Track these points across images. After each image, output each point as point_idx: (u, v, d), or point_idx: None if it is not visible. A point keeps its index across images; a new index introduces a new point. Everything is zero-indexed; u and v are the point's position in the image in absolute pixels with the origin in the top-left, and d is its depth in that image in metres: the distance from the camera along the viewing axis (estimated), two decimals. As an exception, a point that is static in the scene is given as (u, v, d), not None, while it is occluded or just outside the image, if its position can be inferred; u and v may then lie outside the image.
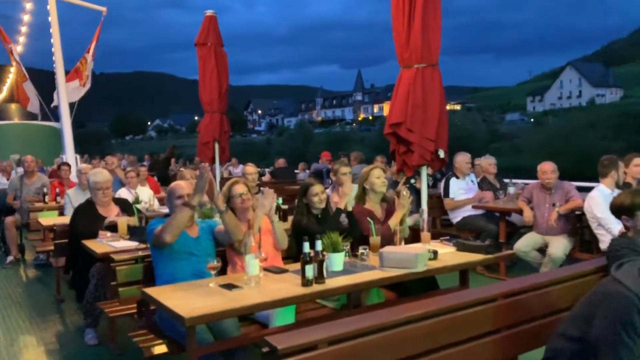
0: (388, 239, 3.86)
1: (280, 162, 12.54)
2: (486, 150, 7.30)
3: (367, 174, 4.34)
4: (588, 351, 2.07)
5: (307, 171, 11.92)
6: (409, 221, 6.44)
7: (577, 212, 5.48)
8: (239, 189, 3.73)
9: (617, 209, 2.85)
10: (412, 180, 7.09)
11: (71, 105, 11.41)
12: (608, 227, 4.73)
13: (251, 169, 6.09)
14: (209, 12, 8.16)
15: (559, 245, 5.38)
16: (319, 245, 2.88)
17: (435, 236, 4.30)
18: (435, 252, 3.39)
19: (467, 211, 6.57)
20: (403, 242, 3.80)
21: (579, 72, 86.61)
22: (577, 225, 5.46)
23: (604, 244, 4.75)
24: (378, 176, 4.31)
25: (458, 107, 74.98)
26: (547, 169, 5.71)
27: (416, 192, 6.15)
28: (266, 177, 11.70)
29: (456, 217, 6.66)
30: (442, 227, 6.99)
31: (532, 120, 63.18)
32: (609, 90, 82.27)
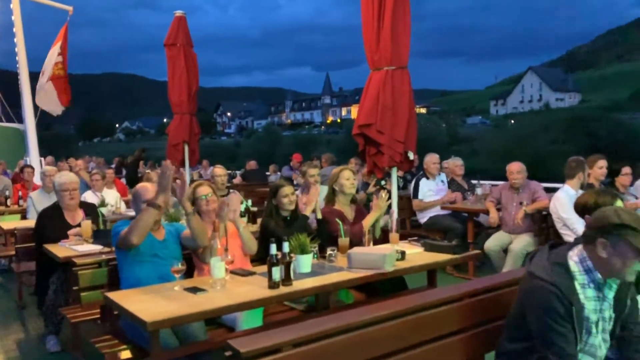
0: (358, 240, 3.86)
1: (252, 164, 12.45)
2: (446, 152, 7.41)
3: (337, 175, 4.33)
4: (533, 349, 2.14)
5: (279, 173, 11.87)
6: (383, 222, 6.49)
7: (543, 212, 5.58)
8: (204, 190, 3.68)
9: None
10: (383, 182, 7.12)
11: (36, 106, 11.13)
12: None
13: (220, 171, 6.03)
14: (179, 13, 8.08)
15: (521, 242, 5.52)
16: (286, 247, 2.85)
17: (405, 237, 4.32)
18: (403, 253, 3.40)
19: (434, 211, 6.64)
20: (372, 243, 3.80)
21: (540, 77, 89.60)
22: (542, 225, 5.56)
23: (568, 244, 4.84)
24: (347, 178, 4.31)
25: (423, 110, 76.18)
26: (514, 169, 5.82)
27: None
28: (237, 180, 11.60)
29: (424, 217, 6.73)
30: (411, 228, 7.04)
31: (491, 123, 64.76)
32: (568, 95, 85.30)
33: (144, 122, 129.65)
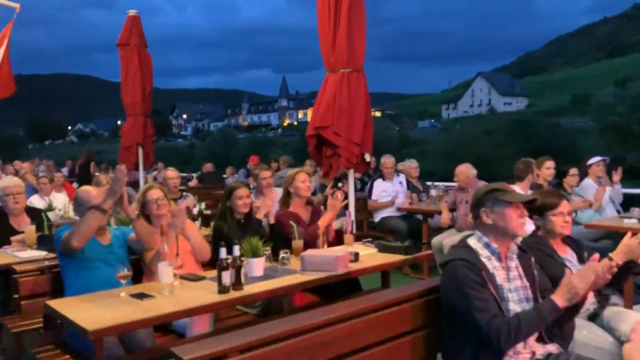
0: (313, 242, 3.84)
1: (208, 167, 12.26)
2: (397, 155, 7.53)
3: (292, 177, 4.29)
4: (467, 342, 2.22)
5: (236, 175, 11.73)
6: (339, 224, 6.49)
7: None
8: (154, 194, 3.57)
9: (529, 209, 2.96)
10: (339, 184, 7.13)
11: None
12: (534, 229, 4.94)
13: (172, 173, 5.88)
14: (132, 12, 7.90)
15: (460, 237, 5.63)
16: (236, 250, 2.80)
17: (361, 238, 4.32)
18: (356, 254, 3.40)
19: (388, 212, 6.70)
20: (326, 245, 3.78)
21: (489, 82, 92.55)
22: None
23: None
24: (303, 180, 4.27)
25: (378, 114, 77.41)
26: (459, 170, 5.99)
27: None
28: (193, 182, 11.39)
29: (377, 218, 6.79)
30: (368, 230, 7.08)
31: (440, 126, 66.55)
32: (516, 99, 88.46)
33: (98, 124, 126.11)
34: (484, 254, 2.32)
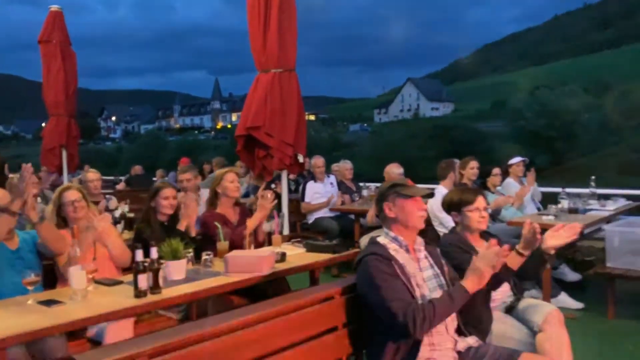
0: (241, 244, 3.75)
1: (137, 169, 11.85)
2: (328, 157, 7.61)
3: (220, 177, 4.18)
4: (386, 338, 2.25)
5: (166, 178, 11.40)
6: (268, 226, 6.40)
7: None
8: (71, 195, 3.37)
9: (448, 206, 3.04)
10: (272, 185, 7.07)
11: None
12: (447, 225, 5.08)
13: (92, 175, 5.59)
14: (54, 8, 7.54)
15: None
16: (154, 252, 2.68)
17: (300, 239, 4.28)
18: (283, 254, 3.36)
19: (321, 213, 6.71)
20: (253, 246, 3.71)
21: (417, 88, 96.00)
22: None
23: (444, 241, 5.12)
24: (231, 180, 4.17)
25: (312, 117, 78.12)
26: (386, 170, 6.17)
27: (277, 197, 6.14)
28: (120, 186, 10.97)
29: (310, 219, 6.78)
30: (302, 231, 7.05)
31: (370, 130, 68.34)
32: (443, 104, 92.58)
33: (21, 126, 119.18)
34: (392, 247, 2.39)
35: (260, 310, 2.13)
